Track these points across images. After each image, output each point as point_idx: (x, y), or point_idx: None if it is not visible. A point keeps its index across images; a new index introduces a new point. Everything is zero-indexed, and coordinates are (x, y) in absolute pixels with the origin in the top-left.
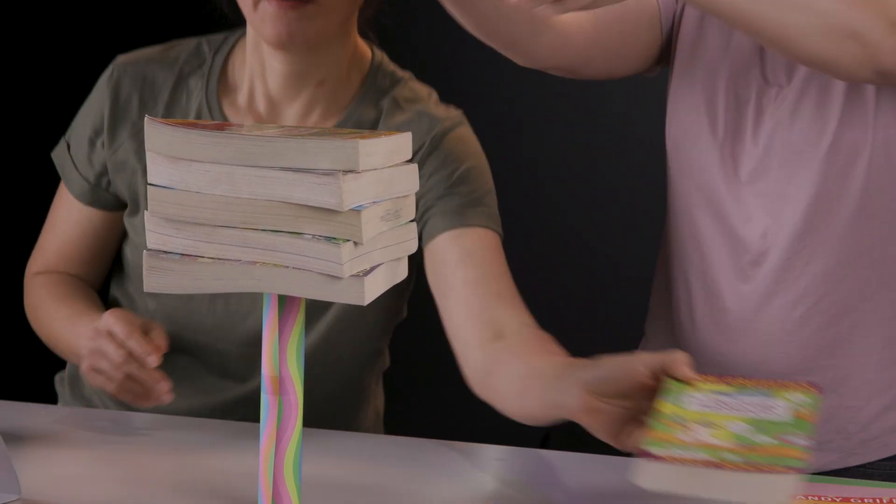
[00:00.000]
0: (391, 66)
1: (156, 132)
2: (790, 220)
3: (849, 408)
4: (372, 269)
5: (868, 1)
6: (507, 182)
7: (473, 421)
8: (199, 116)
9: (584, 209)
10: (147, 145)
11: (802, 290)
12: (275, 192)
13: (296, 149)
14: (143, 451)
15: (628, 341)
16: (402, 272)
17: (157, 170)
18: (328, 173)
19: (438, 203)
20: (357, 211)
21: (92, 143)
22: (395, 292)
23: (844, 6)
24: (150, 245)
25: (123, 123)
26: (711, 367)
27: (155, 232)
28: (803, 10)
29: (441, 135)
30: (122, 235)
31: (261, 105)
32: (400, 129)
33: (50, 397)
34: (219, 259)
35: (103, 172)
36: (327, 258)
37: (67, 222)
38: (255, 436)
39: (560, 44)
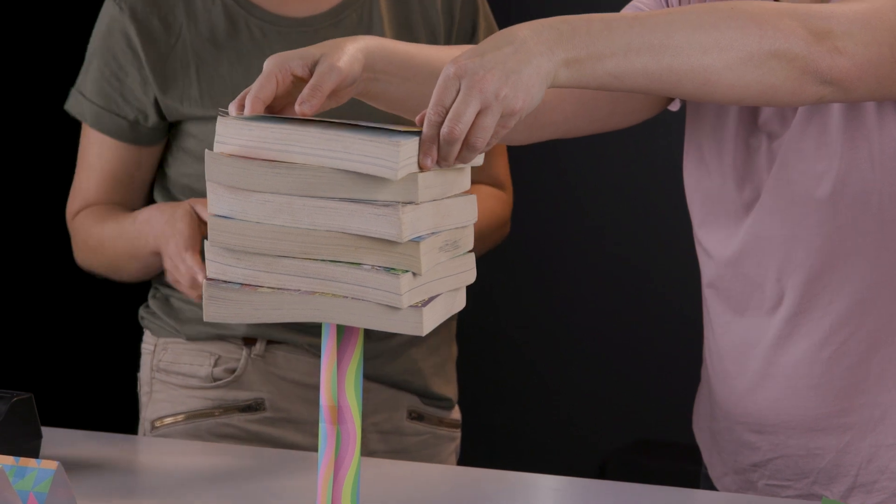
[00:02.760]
0: None
1: (215, 163)
2: (805, 262)
3: (890, 446)
4: (430, 299)
5: (773, 17)
6: (531, 184)
7: (530, 450)
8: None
9: (612, 216)
10: (207, 175)
11: (828, 330)
12: (334, 223)
13: (355, 179)
14: (199, 479)
15: (637, 342)
16: (460, 302)
17: (217, 200)
18: (387, 204)
19: None
20: (416, 242)
21: (121, 80)
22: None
23: (752, 30)
24: (209, 274)
25: (154, 47)
26: (741, 414)
27: (215, 261)
28: (711, 49)
29: None
30: (161, 159)
31: None
32: None
33: (106, 422)
34: (278, 289)
35: (141, 108)
36: (386, 289)
37: (101, 159)
38: (313, 465)
39: (536, 122)
